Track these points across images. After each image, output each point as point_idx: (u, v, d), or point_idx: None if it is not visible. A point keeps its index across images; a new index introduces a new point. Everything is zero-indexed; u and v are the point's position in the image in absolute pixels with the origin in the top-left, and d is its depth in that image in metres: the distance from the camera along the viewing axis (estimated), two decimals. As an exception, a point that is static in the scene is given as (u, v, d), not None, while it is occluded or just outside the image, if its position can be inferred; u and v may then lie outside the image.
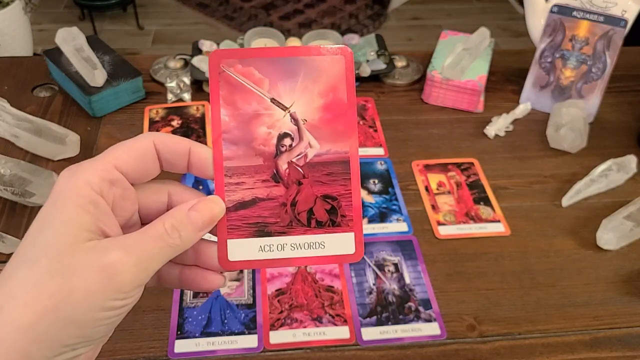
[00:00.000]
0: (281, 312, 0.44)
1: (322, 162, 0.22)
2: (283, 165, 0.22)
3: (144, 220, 0.23)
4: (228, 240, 0.22)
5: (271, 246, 0.22)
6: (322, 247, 0.22)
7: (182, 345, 0.42)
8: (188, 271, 0.23)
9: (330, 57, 0.22)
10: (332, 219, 0.23)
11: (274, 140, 0.22)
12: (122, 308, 0.20)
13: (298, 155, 0.23)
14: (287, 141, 0.22)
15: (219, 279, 0.23)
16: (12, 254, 0.47)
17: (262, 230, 0.22)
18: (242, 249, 0.22)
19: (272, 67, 0.22)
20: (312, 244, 0.23)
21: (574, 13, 0.60)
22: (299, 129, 0.22)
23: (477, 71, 0.65)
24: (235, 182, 0.22)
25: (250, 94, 0.22)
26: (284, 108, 0.22)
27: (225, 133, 0.22)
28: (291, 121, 0.22)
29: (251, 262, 0.22)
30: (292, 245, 0.22)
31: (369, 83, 0.69)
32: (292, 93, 0.22)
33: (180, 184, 0.24)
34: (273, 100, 0.22)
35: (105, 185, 0.21)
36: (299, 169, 0.22)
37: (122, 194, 0.21)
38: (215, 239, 0.23)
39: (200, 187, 0.55)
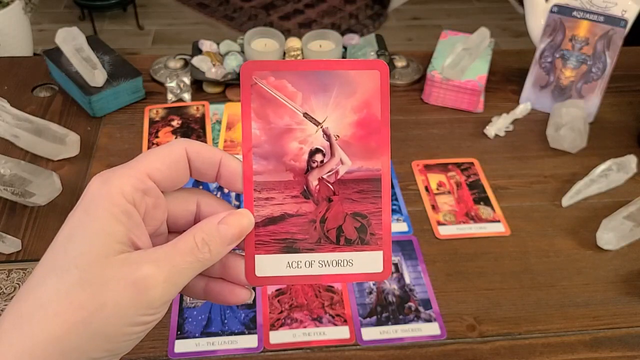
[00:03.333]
0: (281, 312, 0.44)
1: (353, 180, 0.22)
2: (314, 182, 0.22)
3: (172, 228, 0.23)
4: (256, 256, 0.22)
5: (299, 262, 0.22)
6: (351, 264, 0.22)
7: (182, 345, 0.42)
8: (214, 284, 0.23)
9: (366, 72, 0.22)
10: (362, 237, 0.22)
11: (305, 156, 0.22)
12: (150, 323, 0.20)
13: (329, 172, 0.22)
14: (318, 157, 0.22)
15: (245, 293, 0.23)
16: (12, 254, 0.47)
17: (290, 247, 0.22)
18: (270, 264, 0.22)
19: (306, 80, 0.22)
20: (340, 262, 0.22)
21: (574, 13, 0.60)
22: (331, 145, 0.22)
23: (477, 71, 0.65)
24: (264, 197, 0.22)
25: (282, 108, 0.22)
26: (317, 123, 0.22)
27: (255, 147, 0.22)
28: (323, 137, 0.22)
29: (278, 278, 0.22)
30: (320, 262, 0.22)
31: (369, 83, 0.69)
32: (325, 108, 0.22)
33: (210, 194, 0.23)
34: (306, 114, 0.22)
35: (138, 195, 0.20)
36: (330, 185, 0.22)
37: (154, 203, 0.21)
38: (242, 252, 0.23)
39: (200, 187, 0.55)
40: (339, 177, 0.22)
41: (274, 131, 0.22)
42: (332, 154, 0.22)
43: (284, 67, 0.22)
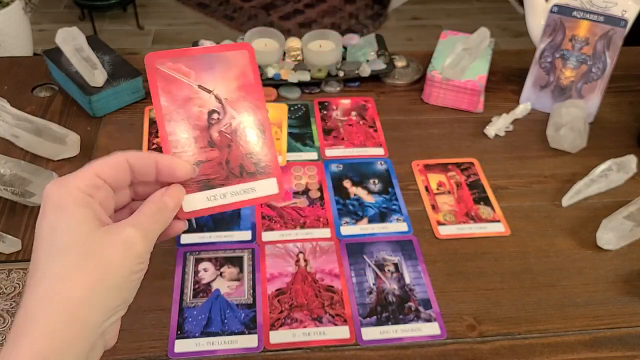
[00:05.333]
0: (281, 312, 0.44)
1: (244, 127, 0.30)
2: (215, 134, 0.29)
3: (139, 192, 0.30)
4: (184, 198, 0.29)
5: (215, 196, 0.29)
6: (254, 191, 0.30)
7: (182, 345, 0.42)
8: None
9: (238, 52, 0.29)
10: (258, 169, 0.30)
11: (205, 116, 0.29)
12: (142, 270, 0.26)
13: (225, 125, 0.29)
14: (215, 116, 0.29)
15: (180, 224, 0.29)
16: (12, 254, 0.47)
17: (206, 185, 0.29)
18: (194, 201, 0.29)
19: (196, 62, 0.29)
20: (246, 190, 0.30)
21: (574, 13, 0.60)
22: (222, 106, 0.29)
23: (477, 71, 0.65)
24: (180, 151, 0.28)
25: (181, 84, 0.28)
26: (209, 91, 0.29)
27: (166, 115, 0.28)
28: (216, 100, 0.29)
29: (203, 210, 0.29)
30: (231, 193, 0.29)
31: (369, 83, 0.69)
32: (214, 80, 0.29)
33: (135, 155, 0.28)
34: (199, 86, 0.29)
35: (92, 190, 0.26)
36: (228, 135, 0.29)
37: (106, 196, 0.27)
38: None
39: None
40: (232, 128, 0.29)
41: (178, 102, 0.28)
42: (225, 112, 0.29)
43: (177, 54, 0.28)
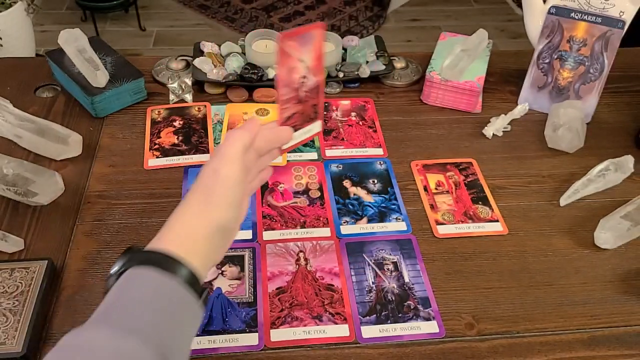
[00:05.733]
0: (282, 310, 0.45)
1: (312, 87, 0.41)
2: (302, 93, 0.40)
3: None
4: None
5: (296, 135, 0.41)
6: (311, 130, 0.43)
7: (183, 343, 0.42)
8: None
9: (318, 30, 0.39)
10: (315, 115, 0.43)
11: (299, 80, 0.40)
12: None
13: (308, 87, 0.41)
14: (303, 80, 0.40)
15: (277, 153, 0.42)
16: (14, 253, 0.48)
17: (294, 127, 0.41)
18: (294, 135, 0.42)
19: (301, 40, 0.38)
20: (309, 130, 0.43)
21: (572, 14, 0.61)
22: (307, 72, 0.40)
23: (476, 72, 0.66)
24: (284, 107, 0.39)
25: (291, 58, 0.38)
26: (302, 61, 0.39)
27: (281, 81, 0.38)
28: (305, 68, 0.40)
29: (297, 143, 0.42)
30: (304, 132, 0.42)
31: (368, 84, 0.70)
32: (306, 52, 0.39)
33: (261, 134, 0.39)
34: (300, 59, 0.39)
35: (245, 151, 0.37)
36: (309, 94, 0.41)
37: (251, 159, 0.38)
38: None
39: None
40: (310, 88, 0.41)
41: (288, 71, 0.39)
42: (308, 77, 0.40)
43: (293, 34, 0.38)
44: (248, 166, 0.37)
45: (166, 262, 0.31)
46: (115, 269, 0.32)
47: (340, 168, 0.58)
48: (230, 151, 0.35)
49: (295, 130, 0.41)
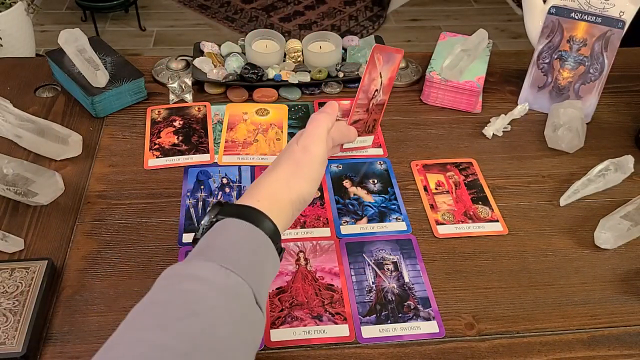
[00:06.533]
0: (282, 310, 0.45)
1: (378, 103, 0.47)
2: (371, 104, 0.45)
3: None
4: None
5: (356, 142, 0.48)
6: (365, 141, 0.51)
7: (183, 343, 0.42)
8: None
9: (399, 54, 0.45)
10: (372, 129, 0.51)
11: (373, 92, 0.45)
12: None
13: (376, 100, 0.46)
14: (376, 93, 0.46)
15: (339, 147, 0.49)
16: (14, 253, 0.48)
17: (358, 134, 0.47)
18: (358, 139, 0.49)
19: (386, 56, 0.44)
20: (364, 140, 0.50)
21: (572, 14, 0.61)
22: (380, 87, 0.45)
23: (476, 72, 0.66)
24: (356, 111, 0.44)
25: (376, 69, 0.43)
26: (381, 77, 0.45)
27: (363, 87, 0.43)
28: (380, 84, 0.45)
29: (350, 148, 0.50)
30: (360, 141, 0.49)
31: (368, 84, 0.69)
32: (384, 69, 0.45)
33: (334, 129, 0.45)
34: (380, 73, 0.45)
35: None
36: (376, 107, 0.46)
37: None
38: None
39: (202, 187, 0.55)
40: (378, 102, 0.47)
41: (370, 80, 0.44)
42: (380, 92, 0.46)
43: (384, 50, 0.44)
44: (328, 148, 0.41)
45: (256, 216, 0.35)
46: (206, 219, 0.36)
47: (340, 168, 0.58)
48: (319, 131, 0.39)
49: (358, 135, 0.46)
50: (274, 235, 0.36)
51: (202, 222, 0.36)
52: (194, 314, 0.29)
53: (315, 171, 0.40)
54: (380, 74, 0.43)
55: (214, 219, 0.36)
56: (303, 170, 0.39)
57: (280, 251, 0.37)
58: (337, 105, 0.41)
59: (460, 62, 0.65)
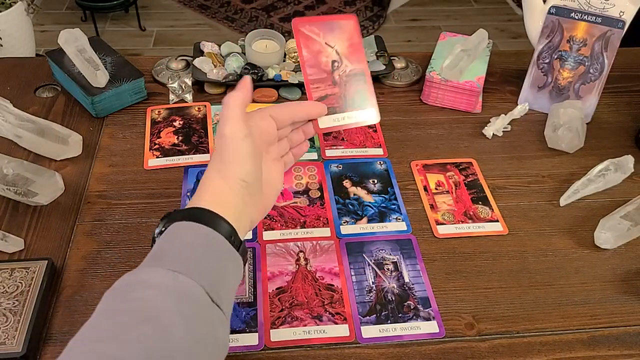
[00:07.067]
0: (282, 310, 0.45)
1: (353, 74, 0.43)
2: (336, 76, 0.42)
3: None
4: (318, 118, 0.43)
5: (338, 118, 0.43)
6: (362, 117, 0.44)
7: (183, 343, 0.42)
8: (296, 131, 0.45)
9: (348, 20, 0.42)
10: (363, 101, 0.44)
11: (330, 64, 0.42)
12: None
13: (342, 71, 0.43)
14: (335, 64, 0.42)
15: (305, 145, 0.45)
16: (14, 253, 0.48)
17: (332, 111, 0.43)
18: (326, 121, 0.43)
19: (322, 26, 0.42)
20: (357, 116, 0.44)
21: (572, 14, 0.61)
22: (340, 58, 0.42)
23: (476, 72, 0.66)
24: (315, 87, 0.42)
25: (315, 41, 0.42)
26: (331, 47, 0.42)
27: (307, 61, 0.42)
28: (336, 54, 0.42)
29: (330, 127, 0.43)
30: (348, 117, 0.43)
31: (368, 84, 0.69)
32: (334, 39, 0.42)
33: (274, 108, 0.42)
34: (326, 43, 0.42)
35: (264, 123, 0.40)
36: (344, 77, 0.43)
37: (268, 125, 0.41)
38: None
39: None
40: (347, 73, 0.43)
41: (313, 53, 0.42)
42: (341, 62, 0.42)
43: (312, 20, 0.42)
44: (262, 127, 0.40)
45: (206, 215, 0.35)
46: (159, 229, 0.36)
47: (340, 168, 0.58)
48: (227, 113, 0.37)
49: (333, 112, 0.43)
50: (230, 233, 0.35)
51: (155, 231, 0.36)
52: (145, 320, 0.29)
53: (239, 149, 0.37)
54: (327, 44, 0.41)
55: (163, 229, 0.35)
56: (226, 154, 0.37)
57: (240, 243, 0.36)
58: (248, 79, 0.39)
59: (460, 62, 0.65)
